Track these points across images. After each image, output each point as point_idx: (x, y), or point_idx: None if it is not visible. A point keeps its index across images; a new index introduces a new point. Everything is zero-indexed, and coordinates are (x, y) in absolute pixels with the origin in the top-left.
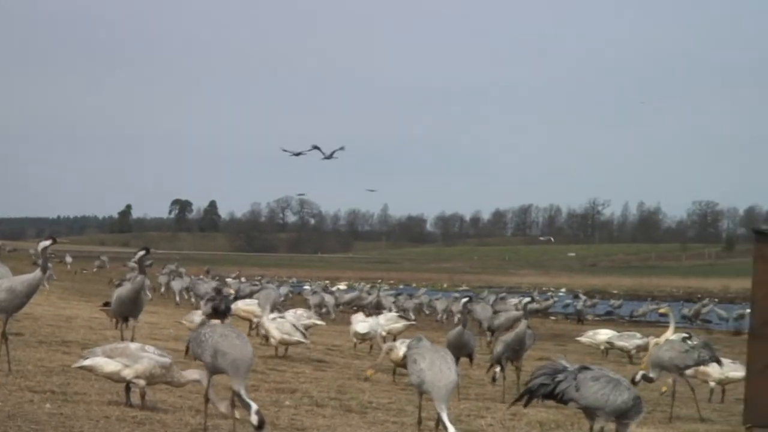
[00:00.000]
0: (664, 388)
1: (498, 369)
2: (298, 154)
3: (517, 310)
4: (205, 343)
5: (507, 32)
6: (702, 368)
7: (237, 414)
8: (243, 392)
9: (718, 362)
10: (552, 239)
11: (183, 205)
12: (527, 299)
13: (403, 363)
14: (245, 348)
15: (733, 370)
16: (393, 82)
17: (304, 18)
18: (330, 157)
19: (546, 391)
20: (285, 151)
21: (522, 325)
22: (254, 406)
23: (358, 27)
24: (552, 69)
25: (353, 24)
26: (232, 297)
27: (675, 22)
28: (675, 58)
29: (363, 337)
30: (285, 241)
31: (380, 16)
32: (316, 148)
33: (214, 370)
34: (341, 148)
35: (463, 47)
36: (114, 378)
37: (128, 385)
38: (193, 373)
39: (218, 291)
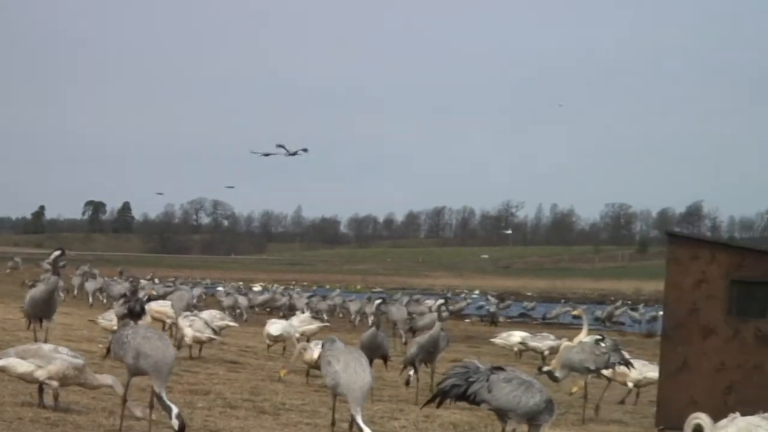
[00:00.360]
0: (574, 389)
1: (412, 371)
2: (267, 155)
3: (431, 311)
4: (128, 345)
5: (413, 34)
6: (620, 369)
7: (153, 416)
8: (164, 394)
9: (628, 365)
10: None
11: (96, 206)
12: (441, 301)
13: (316, 364)
14: (167, 350)
15: (651, 370)
16: (305, 83)
17: (202, 20)
18: (294, 154)
19: (458, 392)
20: (254, 152)
21: (436, 327)
22: (175, 410)
23: (260, 26)
24: (462, 71)
25: (253, 23)
26: (146, 298)
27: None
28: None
29: (276, 339)
30: (199, 243)
31: (276, 15)
32: (280, 146)
33: (135, 372)
34: (305, 150)
35: (373, 46)
36: (27, 379)
37: (41, 386)
38: (107, 378)
39: (134, 292)
